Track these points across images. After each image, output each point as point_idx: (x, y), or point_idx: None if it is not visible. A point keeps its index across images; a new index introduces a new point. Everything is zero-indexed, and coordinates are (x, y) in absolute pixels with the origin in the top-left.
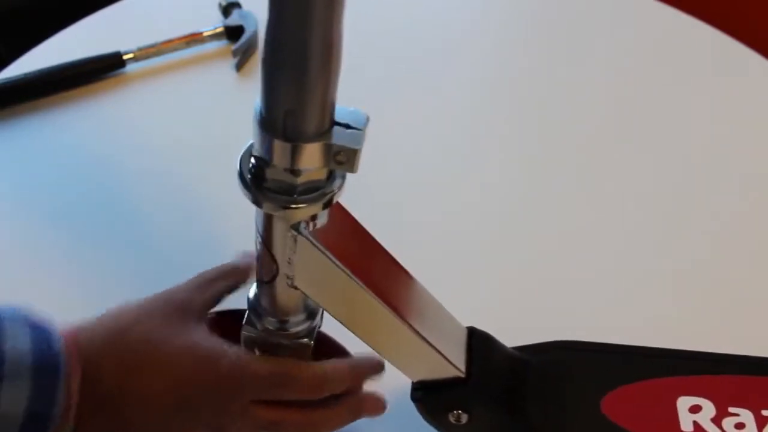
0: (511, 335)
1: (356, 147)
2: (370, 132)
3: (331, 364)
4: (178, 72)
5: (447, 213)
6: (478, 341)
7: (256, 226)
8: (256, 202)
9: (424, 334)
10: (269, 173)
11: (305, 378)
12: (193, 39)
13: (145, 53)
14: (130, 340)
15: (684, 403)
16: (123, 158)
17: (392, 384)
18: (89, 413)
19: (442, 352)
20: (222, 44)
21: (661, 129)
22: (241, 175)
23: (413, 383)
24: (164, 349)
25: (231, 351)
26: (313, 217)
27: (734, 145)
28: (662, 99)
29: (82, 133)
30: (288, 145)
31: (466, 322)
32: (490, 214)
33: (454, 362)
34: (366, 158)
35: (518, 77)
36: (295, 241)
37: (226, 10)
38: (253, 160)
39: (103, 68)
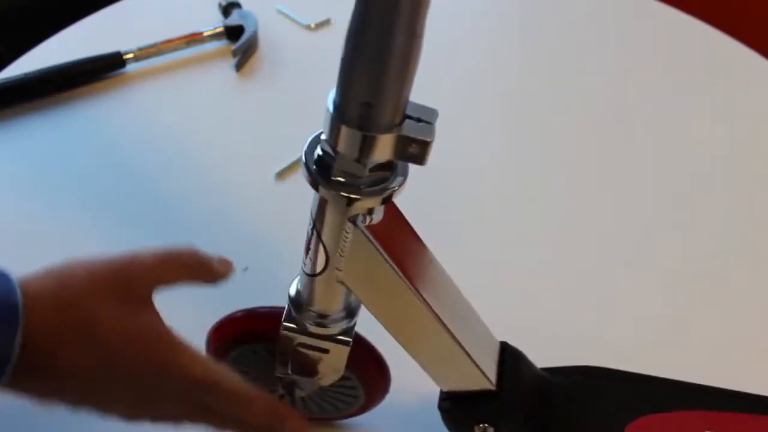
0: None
1: (428, 139)
2: None
3: (255, 390)
4: (178, 72)
5: (450, 225)
6: (510, 357)
7: (311, 215)
8: (320, 190)
9: (463, 343)
10: (337, 163)
11: (229, 390)
12: (193, 39)
13: (145, 53)
14: (69, 316)
15: None
16: (123, 158)
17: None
18: (22, 370)
19: (477, 362)
20: (222, 44)
21: (663, 129)
22: (306, 163)
23: (441, 393)
24: (101, 332)
25: (168, 338)
26: (370, 212)
27: (735, 146)
28: (662, 99)
29: (82, 133)
30: (362, 135)
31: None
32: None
33: (487, 374)
34: None
35: (518, 78)
36: (351, 233)
37: (226, 10)
38: (320, 150)
39: (103, 68)
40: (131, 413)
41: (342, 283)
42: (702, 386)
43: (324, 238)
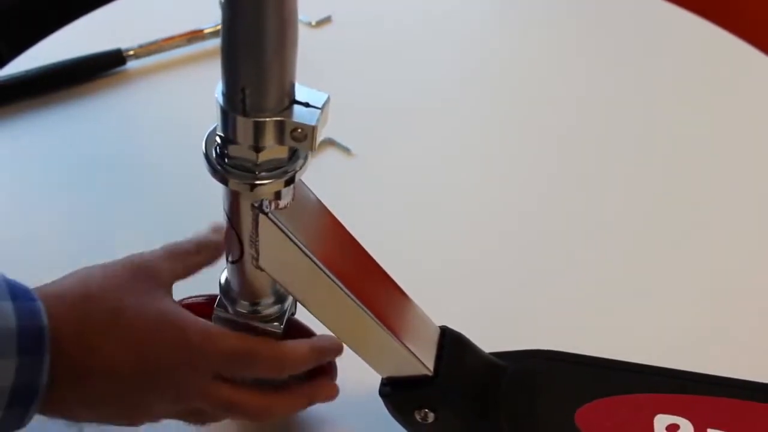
0: (499, 341)
1: (312, 124)
2: (365, 130)
3: (292, 344)
4: (179, 69)
5: (438, 215)
6: (450, 341)
7: (223, 205)
8: (221, 179)
9: (391, 328)
10: (232, 150)
11: (267, 356)
12: (194, 36)
13: (145, 50)
14: (94, 307)
15: (661, 421)
16: (123, 155)
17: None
18: (53, 385)
19: (410, 348)
20: None
21: (664, 130)
22: (205, 153)
23: (382, 379)
24: (129, 317)
25: (197, 322)
26: (277, 196)
27: (735, 144)
28: (664, 100)
29: (83, 130)
30: (247, 121)
31: (456, 325)
32: (484, 217)
33: (422, 359)
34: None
35: (518, 79)
36: (257, 218)
37: None
38: (217, 138)
39: (103, 65)
40: (172, 411)
41: (261, 269)
42: (655, 368)
43: (236, 225)
